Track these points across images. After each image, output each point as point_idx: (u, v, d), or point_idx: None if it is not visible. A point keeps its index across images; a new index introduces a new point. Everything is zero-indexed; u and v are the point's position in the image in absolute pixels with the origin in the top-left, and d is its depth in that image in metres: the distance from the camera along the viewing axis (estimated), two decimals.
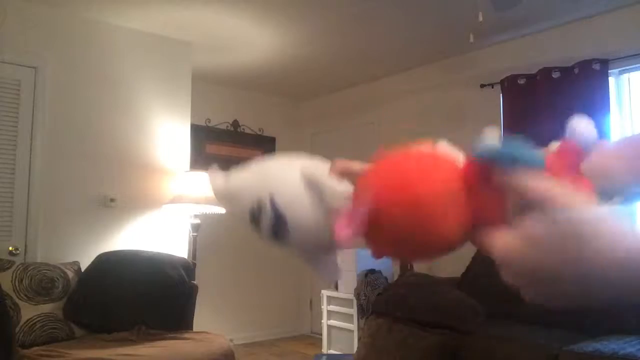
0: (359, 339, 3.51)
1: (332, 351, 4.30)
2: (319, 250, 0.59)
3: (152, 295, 3.02)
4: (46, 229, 3.29)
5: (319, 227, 0.55)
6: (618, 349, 2.30)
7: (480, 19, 2.84)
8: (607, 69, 3.32)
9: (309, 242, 0.56)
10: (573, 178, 0.50)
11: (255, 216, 0.56)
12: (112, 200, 3.53)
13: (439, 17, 3.57)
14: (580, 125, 0.55)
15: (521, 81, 3.71)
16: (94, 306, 2.90)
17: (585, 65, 3.37)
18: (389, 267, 4.19)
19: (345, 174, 0.56)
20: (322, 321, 4.37)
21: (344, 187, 0.54)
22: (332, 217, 0.53)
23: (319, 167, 0.57)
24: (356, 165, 0.57)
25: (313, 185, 0.55)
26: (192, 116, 4.07)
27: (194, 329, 3.14)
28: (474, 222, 0.46)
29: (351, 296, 4.02)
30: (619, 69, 3.38)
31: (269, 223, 0.55)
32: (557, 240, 0.37)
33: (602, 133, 3.30)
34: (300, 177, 0.56)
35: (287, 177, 0.57)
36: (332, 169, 0.56)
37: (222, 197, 0.62)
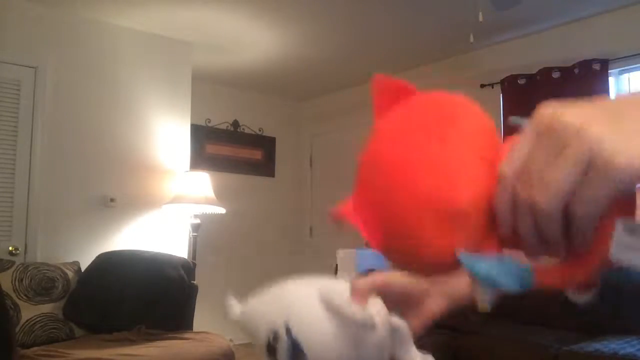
0: None
1: None
2: None
3: (152, 295, 3.02)
4: (46, 229, 3.29)
5: (341, 356, 0.49)
6: (618, 349, 2.30)
7: (480, 19, 2.84)
8: (607, 69, 3.32)
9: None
10: None
11: (271, 348, 0.51)
12: (112, 200, 3.53)
13: (439, 17, 3.57)
14: None
15: (521, 81, 3.71)
16: (94, 306, 2.90)
17: (585, 65, 3.37)
18: (389, 267, 4.19)
19: (368, 292, 0.51)
20: None
21: (367, 313, 0.48)
22: (357, 346, 0.49)
23: (339, 289, 0.51)
24: (378, 280, 0.52)
25: (334, 311, 0.49)
26: (192, 116, 4.07)
27: (194, 329, 3.14)
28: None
29: None
30: (619, 69, 3.38)
31: (285, 356, 0.50)
32: None
33: None
34: (319, 302, 0.50)
35: (304, 302, 0.52)
36: (353, 292, 0.50)
37: (239, 325, 0.57)
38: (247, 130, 5.31)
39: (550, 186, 0.29)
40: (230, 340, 3.01)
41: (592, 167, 0.28)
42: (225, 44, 4.10)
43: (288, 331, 0.49)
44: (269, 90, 5.36)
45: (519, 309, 2.96)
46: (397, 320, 0.51)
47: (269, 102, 5.52)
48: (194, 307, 3.24)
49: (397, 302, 0.52)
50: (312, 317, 0.50)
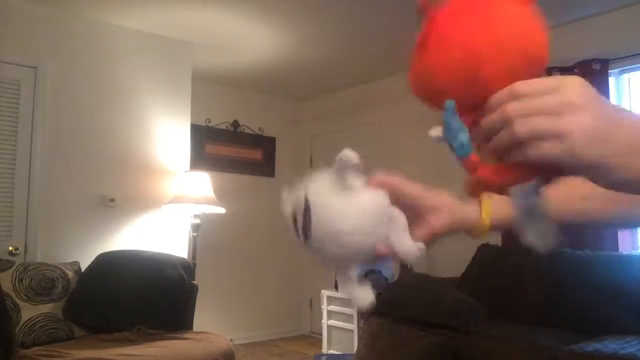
0: (359, 339, 3.52)
1: (332, 351, 4.30)
2: (344, 258, 0.55)
3: (152, 295, 3.02)
4: (46, 229, 3.29)
5: (345, 225, 0.52)
6: (618, 349, 2.30)
7: None
8: (607, 69, 3.31)
9: (332, 242, 0.53)
10: None
11: (293, 216, 0.56)
12: (112, 200, 3.53)
13: None
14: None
15: None
16: (94, 306, 2.90)
17: (585, 65, 3.37)
18: (389, 267, 4.20)
19: (380, 184, 0.55)
20: (322, 321, 4.37)
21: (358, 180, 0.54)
22: (356, 214, 0.52)
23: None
24: (393, 180, 0.57)
25: (340, 177, 0.54)
26: (192, 116, 4.07)
27: (194, 329, 3.14)
28: None
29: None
30: (619, 69, 3.38)
31: (299, 216, 0.55)
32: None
33: None
34: (330, 176, 0.55)
35: (322, 175, 0.56)
36: (371, 180, 0.55)
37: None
38: (247, 130, 5.31)
39: (529, 126, 0.41)
40: (230, 340, 3.01)
41: (562, 138, 0.40)
42: (225, 44, 4.10)
43: (305, 195, 0.54)
44: (269, 90, 5.36)
45: (519, 309, 2.96)
46: (395, 210, 0.55)
47: (269, 102, 5.52)
48: (194, 307, 3.24)
49: (404, 207, 0.56)
50: (323, 181, 0.55)
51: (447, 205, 0.60)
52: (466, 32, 0.45)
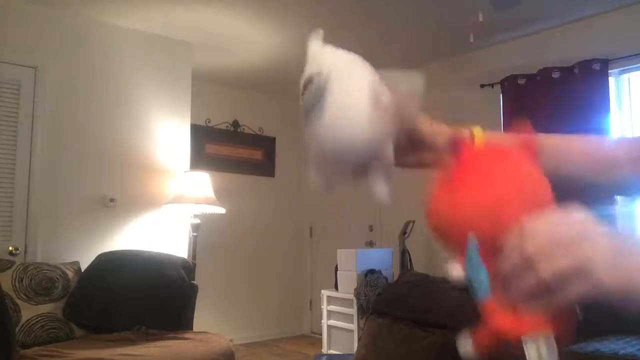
0: (359, 339, 3.52)
1: (332, 351, 4.30)
2: (345, 148, 0.55)
3: (152, 295, 3.02)
4: (46, 229, 3.29)
5: (360, 119, 0.53)
6: (618, 349, 2.30)
7: (480, 19, 2.84)
8: (607, 69, 3.31)
9: (341, 128, 0.53)
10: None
11: (306, 82, 0.56)
12: (112, 200, 3.53)
13: (439, 17, 3.57)
14: None
15: (521, 81, 3.71)
16: (94, 306, 2.90)
17: (585, 65, 3.37)
18: (389, 267, 4.20)
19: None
20: (322, 321, 4.37)
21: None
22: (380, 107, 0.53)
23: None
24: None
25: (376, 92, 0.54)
26: (192, 116, 4.07)
27: (194, 329, 3.14)
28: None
29: (351, 296, 4.02)
30: (619, 69, 3.38)
31: (313, 88, 0.54)
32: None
33: (602, 133, 3.30)
34: (368, 82, 0.55)
35: (357, 68, 0.57)
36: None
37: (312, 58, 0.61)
38: (247, 130, 5.31)
39: (552, 269, 0.39)
40: (230, 340, 3.01)
41: (583, 275, 0.39)
42: (225, 44, 4.10)
43: (322, 75, 0.54)
44: (269, 90, 5.36)
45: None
46: (390, 153, 0.57)
47: (269, 102, 5.52)
48: (194, 307, 3.24)
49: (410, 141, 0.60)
50: (354, 76, 0.56)
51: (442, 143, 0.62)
52: (494, 178, 0.48)
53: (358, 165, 0.56)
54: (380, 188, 0.56)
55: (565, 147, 0.66)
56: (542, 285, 0.40)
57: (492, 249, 0.45)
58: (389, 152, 0.56)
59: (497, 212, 0.46)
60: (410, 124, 0.60)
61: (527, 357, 0.43)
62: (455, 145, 0.52)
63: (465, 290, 0.49)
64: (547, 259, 0.40)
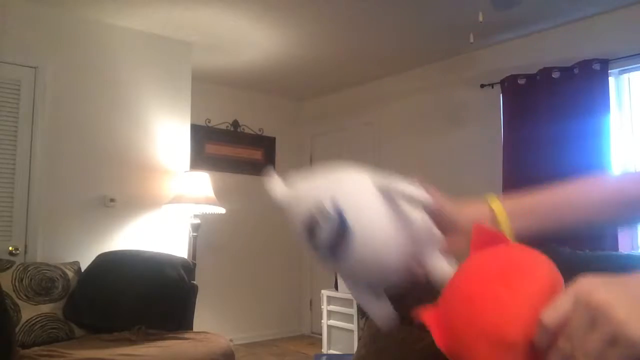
0: (359, 339, 3.51)
1: (332, 351, 4.29)
2: (381, 278, 0.50)
3: (152, 295, 3.02)
4: (46, 229, 3.29)
5: (391, 245, 0.47)
6: None
7: (480, 19, 2.84)
8: (607, 69, 3.31)
9: (374, 263, 0.47)
10: None
11: (310, 226, 0.48)
12: (112, 200, 3.53)
13: (439, 17, 3.57)
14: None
15: (521, 81, 3.71)
16: (94, 306, 2.90)
17: (585, 65, 3.37)
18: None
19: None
20: (322, 321, 4.37)
21: (425, 195, 0.48)
22: (403, 228, 0.47)
23: (392, 179, 0.50)
24: (432, 193, 0.53)
25: (389, 194, 0.47)
26: (192, 116, 4.07)
27: (194, 329, 3.14)
28: None
29: (351, 296, 4.02)
30: (619, 69, 3.38)
31: (328, 232, 0.46)
32: None
33: (601, 133, 3.30)
34: (372, 184, 0.48)
35: (356, 182, 0.49)
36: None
37: (281, 204, 0.54)
38: (247, 130, 5.31)
39: (591, 354, 0.38)
40: (230, 340, 3.01)
41: (616, 342, 0.37)
42: (225, 44, 4.10)
43: (336, 205, 0.46)
44: (269, 90, 5.36)
45: None
46: (436, 230, 0.51)
47: (269, 102, 5.52)
48: (194, 307, 3.24)
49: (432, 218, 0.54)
50: (362, 193, 0.47)
51: (468, 226, 0.59)
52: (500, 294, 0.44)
53: (403, 280, 0.52)
54: (435, 265, 0.52)
55: (569, 198, 0.64)
56: None
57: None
58: (431, 254, 0.52)
59: (502, 335, 0.42)
60: (436, 216, 0.55)
61: None
62: (480, 236, 0.48)
63: None
64: (582, 350, 0.39)
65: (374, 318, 0.53)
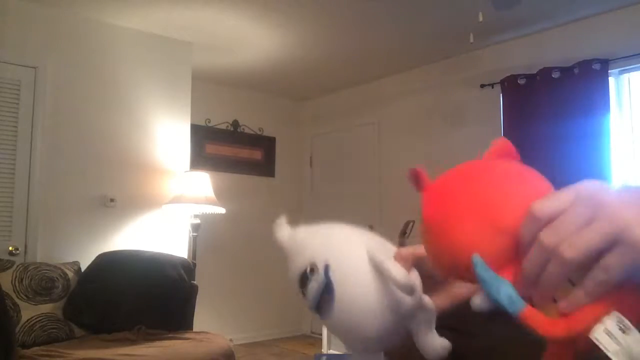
0: None
1: (332, 351, 4.29)
2: (360, 341, 0.51)
3: (152, 295, 3.02)
4: (46, 229, 3.29)
5: (370, 315, 0.48)
6: None
7: (480, 19, 2.84)
8: (607, 69, 3.31)
9: (353, 327, 0.49)
10: None
11: (303, 279, 0.52)
12: (112, 200, 3.53)
13: (439, 17, 3.57)
14: None
15: (521, 81, 3.71)
16: (94, 306, 2.90)
17: (585, 65, 3.37)
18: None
19: (411, 261, 0.51)
20: None
21: (410, 278, 0.48)
22: (389, 308, 0.48)
23: (384, 248, 0.52)
24: (419, 251, 0.51)
25: (377, 268, 0.49)
26: (192, 116, 4.07)
27: (194, 329, 3.14)
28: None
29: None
30: (619, 69, 3.38)
31: (315, 290, 0.50)
32: None
33: (601, 133, 3.30)
34: (363, 255, 0.50)
35: (350, 249, 0.51)
36: (397, 257, 0.51)
37: (285, 248, 0.58)
38: (247, 130, 5.31)
39: (579, 246, 0.35)
40: (230, 340, 3.01)
41: (619, 242, 0.34)
42: (225, 44, 4.10)
43: (326, 269, 0.50)
44: (269, 90, 5.36)
45: None
46: (428, 299, 0.51)
47: (269, 102, 5.52)
48: (194, 307, 3.24)
49: (426, 277, 0.52)
50: (353, 265, 0.50)
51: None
52: (476, 189, 0.43)
53: (390, 340, 0.52)
54: (427, 343, 0.52)
55: None
56: (571, 267, 0.35)
57: (503, 262, 0.40)
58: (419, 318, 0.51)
59: (495, 217, 0.40)
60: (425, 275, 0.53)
61: (602, 347, 0.36)
62: (417, 185, 0.48)
63: (496, 315, 0.44)
64: (569, 241, 0.35)
65: None
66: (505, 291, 0.39)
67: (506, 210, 0.40)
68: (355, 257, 0.50)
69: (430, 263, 0.49)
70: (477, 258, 0.40)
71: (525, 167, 0.45)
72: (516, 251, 0.40)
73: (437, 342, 0.51)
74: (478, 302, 0.42)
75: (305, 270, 0.51)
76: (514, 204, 0.40)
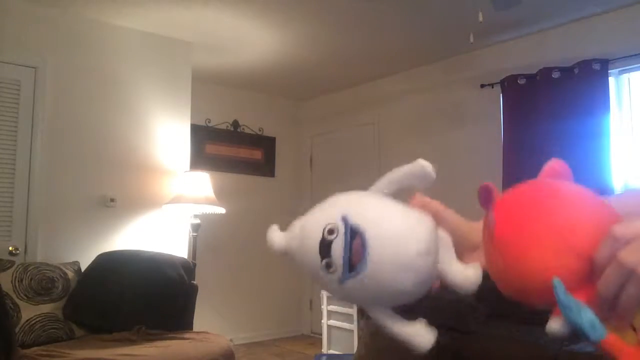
0: (359, 339, 3.51)
1: (332, 351, 4.29)
2: (393, 297, 0.48)
3: (152, 295, 3.02)
4: (46, 229, 3.29)
5: (409, 267, 0.45)
6: None
7: (480, 19, 2.84)
8: (607, 69, 3.31)
9: (387, 282, 0.46)
10: None
11: (324, 247, 0.46)
12: (112, 200, 3.53)
13: (439, 17, 3.57)
14: None
15: (521, 81, 3.71)
16: (94, 306, 2.90)
17: (585, 65, 3.37)
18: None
19: (424, 209, 0.51)
20: (322, 321, 4.37)
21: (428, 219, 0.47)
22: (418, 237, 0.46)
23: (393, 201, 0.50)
24: (434, 203, 0.52)
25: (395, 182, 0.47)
26: (192, 116, 4.07)
27: (194, 329, 3.14)
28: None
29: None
30: (619, 69, 3.38)
31: (343, 243, 0.45)
32: None
33: (601, 133, 3.30)
34: (379, 200, 0.48)
35: (362, 197, 0.49)
36: (411, 203, 0.51)
37: (284, 252, 0.54)
38: (247, 130, 5.31)
39: None
40: (230, 340, 3.01)
41: None
42: (225, 44, 4.10)
43: (345, 221, 0.46)
44: (269, 90, 5.36)
45: (519, 309, 2.96)
46: (442, 232, 0.50)
47: (269, 102, 5.52)
48: (194, 307, 3.24)
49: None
50: (372, 205, 0.47)
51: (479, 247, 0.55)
52: (549, 212, 0.44)
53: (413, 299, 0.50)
54: (457, 273, 0.50)
55: None
56: None
57: (576, 285, 0.40)
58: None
59: (572, 241, 0.41)
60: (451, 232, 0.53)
61: None
62: (487, 201, 0.47)
63: (574, 339, 0.47)
64: None
65: (413, 344, 0.52)
66: (588, 317, 0.39)
67: (582, 234, 0.41)
68: (371, 200, 0.48)
69: (491, 276, 0.49)
70: (557, 282, 0.40)
71: (586, 189, 0.46)
72: (589, 275, 0.40)
73: (469, 270, 0.49)
74: (557, 326, 0.41)
75: (323, 237, 0.46)
76: (589, 227, 0.41)
